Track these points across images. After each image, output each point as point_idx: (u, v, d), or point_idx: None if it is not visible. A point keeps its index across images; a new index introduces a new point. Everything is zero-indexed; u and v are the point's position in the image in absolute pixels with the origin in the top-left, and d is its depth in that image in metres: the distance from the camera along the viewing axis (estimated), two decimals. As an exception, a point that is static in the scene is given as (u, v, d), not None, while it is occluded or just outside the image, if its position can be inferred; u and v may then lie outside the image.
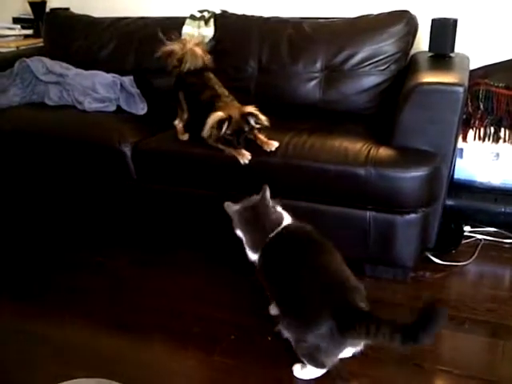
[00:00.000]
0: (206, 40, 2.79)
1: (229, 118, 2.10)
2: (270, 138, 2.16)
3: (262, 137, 2.17)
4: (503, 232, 2.47)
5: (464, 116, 2.35)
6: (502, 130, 2.43)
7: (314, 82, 2.57)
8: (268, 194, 1.79)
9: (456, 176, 2.53)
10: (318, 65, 2.56)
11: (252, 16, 2.80)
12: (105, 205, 2.56)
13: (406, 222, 2.03)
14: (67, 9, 3.36)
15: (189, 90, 2.40)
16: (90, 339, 1.95)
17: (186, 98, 2.42)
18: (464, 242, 2.43)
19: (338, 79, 2.54)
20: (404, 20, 2.46)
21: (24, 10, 3.59)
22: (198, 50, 2.42)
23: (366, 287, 1.63)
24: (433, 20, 2.32)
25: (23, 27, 3.56)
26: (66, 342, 1.93)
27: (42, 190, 2.68)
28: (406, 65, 2.49)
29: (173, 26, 2.87)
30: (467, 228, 2.50)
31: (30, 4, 3.49)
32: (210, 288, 2.20)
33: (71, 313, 2.09)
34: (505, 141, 2.44)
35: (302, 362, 1.67)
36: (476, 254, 2.34)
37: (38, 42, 3.41)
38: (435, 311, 1.41)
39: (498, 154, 2.48)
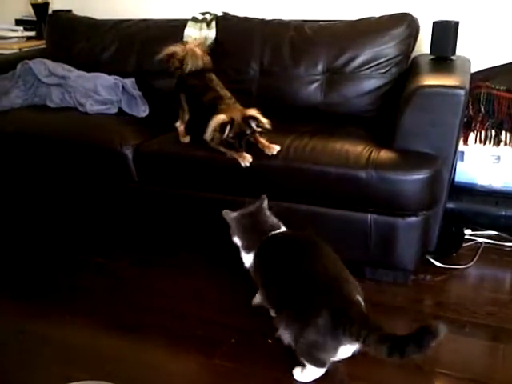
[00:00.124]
0: (208, 42, 2.80)
1: (231, 122, 2.11)
2: (271, 141, 2.17)
3: (263, 140, 2.17)
4: (504, 235, 2.47)
5: (465, 119, 2.35)
6: (503, 132, 2.43)
7: (315, 85, 2.57)
8: (266, 203, 1.88)
9: (457, 179, 2.53)
10: (320, 67, 2.57)
11: (254, 18, 2.81)
12: (106, 206, 2.57)
13: (406, 224, 2.04)
14: (69, 11, 3.36)
15: (190, 92, 2.40)
16: (91, 339, 1.95)
17: (188, 99, 2.42)
18: (465, 245, 2.43)
19: (339, 82, 2.54)
20: (405, 23, 2.46)
21: (27, 11, 3.60)
22: (198, 51, 2.42)
23: (366, 290, 1.64)
24: (434, 23, 2.32)
25: (26, 29, 3.56)
26: (67, 343, 1.93)
27: (44, 192, 2.68)
28: (407, 67, 2.49)
29: (174, 28, 2.89)
30: (468, 231, 2.50)
31: (33, 6, 3.50)
32: (211, 290, 2.21)
33: (72, 313, 2.09)
34: (506, 144, 2.44)
35: (302, 365, 1.67)
36: (477, 258, 2.34)
37: (41, 44, 3.42)
38: (430, 329, 1.39)
39: (498, 157, 2.48)
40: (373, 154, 2.03)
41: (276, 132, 2.18)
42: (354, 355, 1.69)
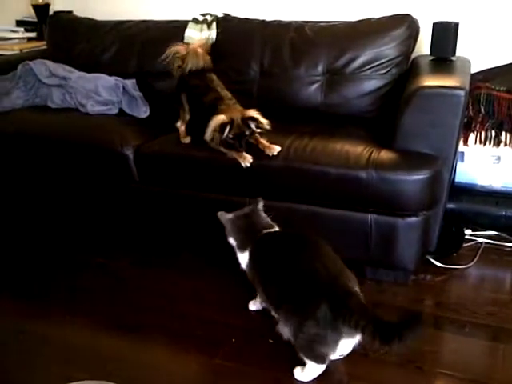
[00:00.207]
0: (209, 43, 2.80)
1: (231, 122, 2.11)
2: (271, 142, 2.17)
3: (263, 141, 2.17)
4: (504, 235, 2.48)
5: (465, 120, 2.35)
6: (503, 133, 2.43)
7: (315, 86, 2.58)
8: (261, 205, 1.92)
9: (457, 179, 2.53)
10: (320, 68, 2.57)
11: (254, 19, 2.81)
12: (107, 207, 2.57)
13: (407, 225, 2.04)
14: (70, 12, 3.37)
15: (191, 92, 2.41)
16: (91, 339, 1.95)
17: (189, 99, 2.43)
18: (465, 245, 2.43)
19: (339, 83, 2.55)
20: (405, 24, 2.46)
21: (28, 12, 3.61)
22: (200, 51, 2.43)
23: (366, 290, 1.64)
24: (434, 24, 2.33)
25: (27, 30, 3.57)
26: (67, 343, 1.93)
27: (45, 192, 2.69)
28: (408, 68, 2.50)
29: (175, 29, 2.89)
30: (468, 231, 2.50)
31: (34, 7, 3.50)
32: (211, 290, 2.21)
33: (72, 313, 2.10)
34: (506, 144, 2.44)
35: (303, 364, 1.67)
36: (477, 258, 2.35)
37: (41, 45, 3.43)
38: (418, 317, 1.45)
39: (499, 158, 2.48)
40: (373, 154, 2.03)
41: (276, 132, 2.18)
42: (354, 355, 1.71)
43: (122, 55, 3.00)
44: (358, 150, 2.07)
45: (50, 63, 2.94)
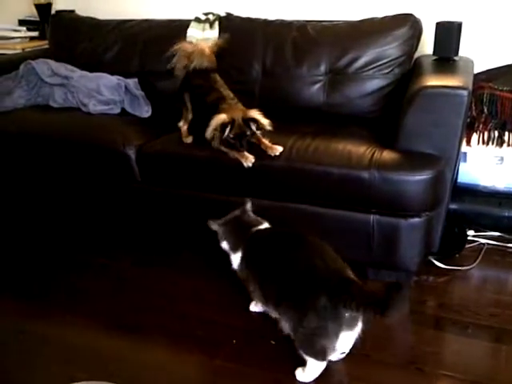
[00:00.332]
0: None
1: (232, 122, 2.11)
2: (273, 142, 2.17)
3: (266, 141, 2.17)
4: (507, 236, 2.47)
5: (468, 120, 2.34)
6: (506, 133, 2.42)
7: (318, 85, 2.57)
8: (249, 205, 1.94)
9: (460, 180, 2.52)
10: (322, 68, 2.56)
11: (256, 19, 2.81)
12: (109, 206, 2.57)
13: (409, 225, 2.03)
14: (72, 11, 3.37)
15: (194, 92, 2.41)
16: (91, 339, 1.95)
17: (192, 99, 2.43)
18: (467, 246, 2.43)
19: (341, 82, 2.54)
20: (408, 23, 2.45)
21: (30, 12, 3.60)
22: (207, 51, 2.43)
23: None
24: (437, 23, 2.32)
25: (29, 29, 3.57)
26: (67, 343, 1.93)
27: (47, 192, 2.69)
28: (410, 68, 2.49)
29: (177, 28, 2.89)
30: (471, 232, 2.49)
31: (36, 6, 3.50)
32: (213, 291, 2.21)
33: (72, 313, 2.10)
34: (509, 145, 2.43)
35: (303, 365, 1.67)
36: (479, 259, 2.34)
37: (44, 44, 3.42)
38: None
39: (502, 158, 2.47)
40: (375, 154, 2.02)
41: (279, 133, 2.18)
42: (354, 356, 1.71)
43: (124, 54, 3.00)
44: (360, 150, 2.06)
45: (52, 62, 2.94)
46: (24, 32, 3.55)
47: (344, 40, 2.55)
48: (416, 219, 2.02)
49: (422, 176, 1.94)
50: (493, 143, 2.45)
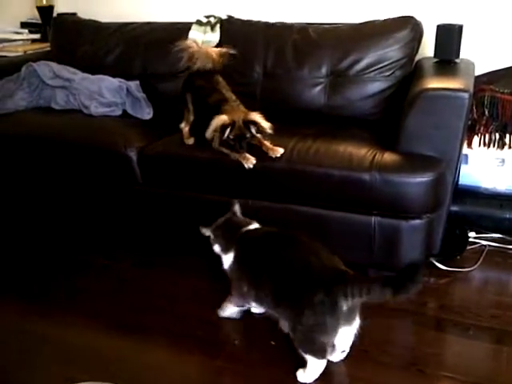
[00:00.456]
0: (212, 45, 2.80)
1: (232, 123, 2.11)
2: (275, 144, 2.17)
3: (267, 143, 2.17)
4: (508, 238, 2.47)
5: (469, 122, 2.34)
6: (507, 136, 2.43)
7: (319, 88, 2.57)
8: (237, 207, 1.96)
9: (461, 182, 2.52)
10: (323, 70, 2.57)
11: (258, 21, 2.81)
12: (110, 208, 2.57)
13: (410, 227, 2.03)
14: (74, 14, 3.38)
15: (197, 93, 2.41)
16: (92, 340, 1.95)
17: (194, 100, 2.43)
18: (469, 248, 2.43)
19: (343, 85, 2.54)
20: (409, 26, 2.46)
21: (32, 14, 3.61)
22: (212, 52, 2.42)
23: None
24: (438, 26, 2.32)
25: (31, 32, 3.58)
26: (67, 343, 1.93)
27: (48, 193, 2.69)
28: (411, 70, 2.49)
29: (179, 31, 2.89)
30: (472, 234, 2.49)
31: (38, 9, 3.51)
32: (213, 292, 2.20)
33: (72, 313, 2.10)
34: (510, 147, 2.44)
35: (304, 365, 1.67)
36: (481, 260, 2.34)
37: (45, 47, 3.43)
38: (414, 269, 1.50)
39: (503, 160, 2.47)
40: (377, 156, 2.03)
41: (280, 134, 2.18)
42: (355, 357, 1.71)
43: (126, 57, 3.00)
44: (361, 152, 2.07)
45: (53, 65, 2.95)
46: (26, 34, 3.57)
47: (345, 42, 2.55)
48: (417, 221, 2.02)
49: (423, 178, 1.94)
50: (494, 145, 2.45)
